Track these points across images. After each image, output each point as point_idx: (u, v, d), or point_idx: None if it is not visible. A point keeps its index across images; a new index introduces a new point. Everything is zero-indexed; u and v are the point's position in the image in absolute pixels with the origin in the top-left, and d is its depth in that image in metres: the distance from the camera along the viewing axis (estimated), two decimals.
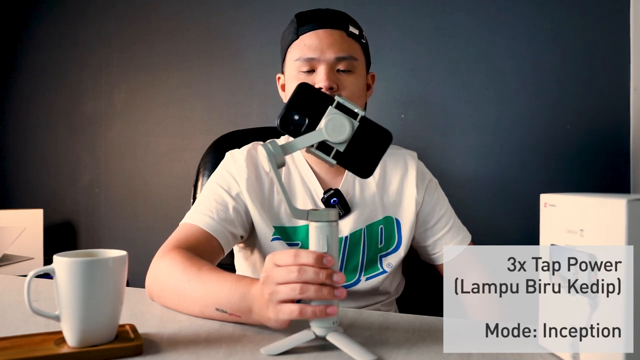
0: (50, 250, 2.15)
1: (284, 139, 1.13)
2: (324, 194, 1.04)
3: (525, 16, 1.61)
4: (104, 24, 2.28)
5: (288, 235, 1.05)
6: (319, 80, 0.99)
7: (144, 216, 2.18)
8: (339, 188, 1.06)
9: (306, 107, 0.69)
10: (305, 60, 1.01)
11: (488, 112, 1.65)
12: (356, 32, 1.05)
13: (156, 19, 2.17)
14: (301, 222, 1.05)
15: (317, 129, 0.68)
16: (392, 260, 1.07)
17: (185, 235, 0.96)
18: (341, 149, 0.68)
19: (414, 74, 1.73)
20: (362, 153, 0.69)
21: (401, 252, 1.08)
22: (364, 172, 0.70)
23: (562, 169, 1.57)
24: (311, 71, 1.01)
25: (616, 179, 1.52)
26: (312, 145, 0.68)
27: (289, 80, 1.05)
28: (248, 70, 2.01)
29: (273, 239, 1.04)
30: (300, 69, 1.02)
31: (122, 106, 2.25)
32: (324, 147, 0.68)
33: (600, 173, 1.54)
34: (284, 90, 1.11)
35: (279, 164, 0.67)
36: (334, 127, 0.67)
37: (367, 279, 1.06)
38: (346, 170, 1.08)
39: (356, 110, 0.68)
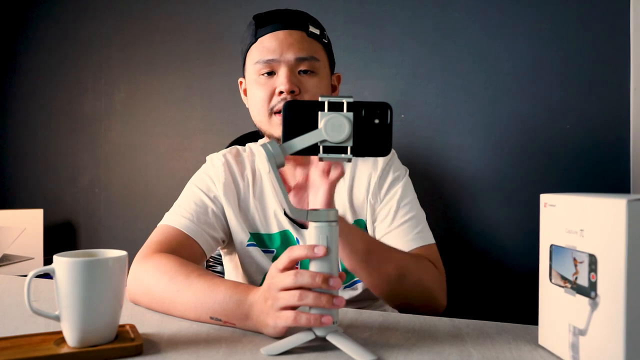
0: (50, 250, 2.15)
1: (262, 142, 1.11)
2: None
3: (525, 16, 1.61)
4: (104, 24, 2.28)
5: (264, 242, 1.04)
6: (279, 83, 0.96)
7: (144, 216, 2.18)
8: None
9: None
10: (264, 62, 0.98)
11: (488, 112, 1.65)
12: (317, 31, 1.02)
13: (156, 19, 2.17)
14: (275, 230, 1.04)
15: (316, 130, 0.67)
16: None
17: (165, 238, 0.95)
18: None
19: (414, 74, 1.73)
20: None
21: None
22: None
23: (562, 169, 1.57)
24: (271, 73, 0.99)
25: (616, 179, 1.52)
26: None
27: (250, 85, 1.02)
28: None
29: (248, 245, 1.03)
30: (260, 72, 0.99)
31: (122, 106, 2.25)
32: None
33: (600, 173, 1.54)
34: (246, 94, 1.08)
35: (278, 165, 0.67)
36: (333, 127, 0.67)
37: (346, 287, 1.03)
38: None
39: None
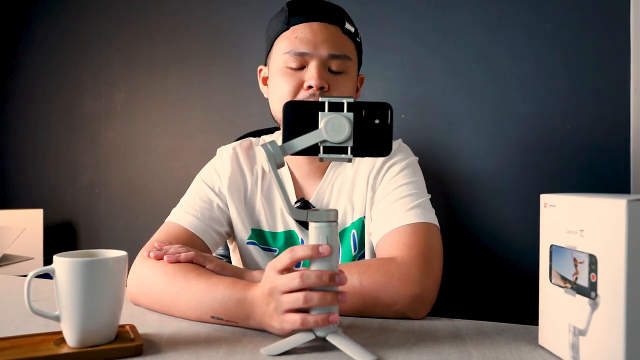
0: (50, 250, 2.15)
1: (277, 135, 1.10)
2: (294, 204, 0.99)
3: (525, 16, 1.61)
4: (104, 24, 2.27)
5: (266, 240, 1.03)
6: (309, 77, 0.93)
7: (144, 216, 2.18)
8: (313, 196, 1.02)
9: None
10: (295, 54, 0.94)
11: (488, 112, 1.65)
12: (352, 29, 0.99)
13: (156, 19, 2.17)
14: (281, 229, 1.02)
15: (316, 130, 0.67)
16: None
17: (167, 236, 0.95)
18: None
19: (414, 74, 1.73)
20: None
21: (367, 250, 1.00)
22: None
23: (562, 169, 1.57)
24: (300, 68, 0.95)
25: (616, 179, 1.52)
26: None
27: (275, 75, 0.98)
28: (248, 70, 2.01)
29: (248, 242, 1.03)
30: (288, 63, 0.95)
31: (122, 106, 2.25)
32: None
33: (600, 173, 1.54)
34: (265, 84, 1.04)
35: (278, 165, 0.67)
36: (333, 127, 0.67)
37: None
38: (324, 175, 1.03)
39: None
